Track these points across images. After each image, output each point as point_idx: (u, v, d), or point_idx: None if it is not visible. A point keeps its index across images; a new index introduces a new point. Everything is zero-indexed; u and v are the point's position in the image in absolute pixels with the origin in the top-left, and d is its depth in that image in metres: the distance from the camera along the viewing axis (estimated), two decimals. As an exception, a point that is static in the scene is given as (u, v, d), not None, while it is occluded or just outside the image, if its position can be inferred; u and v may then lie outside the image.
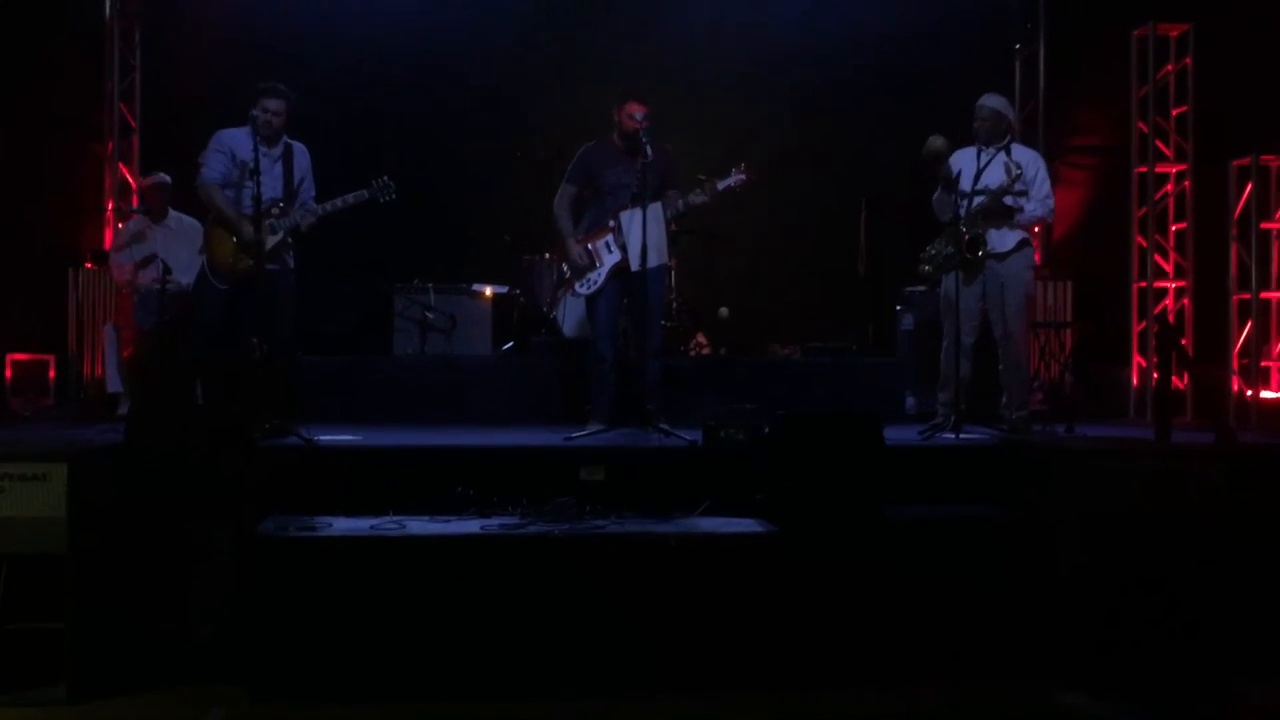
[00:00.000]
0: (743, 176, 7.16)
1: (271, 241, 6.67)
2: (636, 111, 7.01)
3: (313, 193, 6.94)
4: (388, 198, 6.85)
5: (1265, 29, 8.92)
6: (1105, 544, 5.42)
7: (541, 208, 7.24)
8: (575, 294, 7.37)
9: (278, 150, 6.82)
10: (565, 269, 7.40)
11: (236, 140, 6.65)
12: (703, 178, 7.28)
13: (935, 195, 7.20)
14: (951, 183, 7.03)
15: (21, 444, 5.62)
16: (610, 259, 7.10)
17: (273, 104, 6.72)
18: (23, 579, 5.06)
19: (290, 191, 6.83)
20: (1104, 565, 5.42)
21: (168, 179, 8.75)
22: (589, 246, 7.13)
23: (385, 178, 6.85)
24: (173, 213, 8.72)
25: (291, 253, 6.88)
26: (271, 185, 6.73)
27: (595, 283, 7.14)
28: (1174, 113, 9.56)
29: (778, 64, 10.36)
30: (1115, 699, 5.22)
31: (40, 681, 5.04)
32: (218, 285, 6.71)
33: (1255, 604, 5.51)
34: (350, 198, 6.82)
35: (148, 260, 8.40)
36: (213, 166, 6.74)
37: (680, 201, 7.14)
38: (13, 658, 5.05)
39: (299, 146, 6.95)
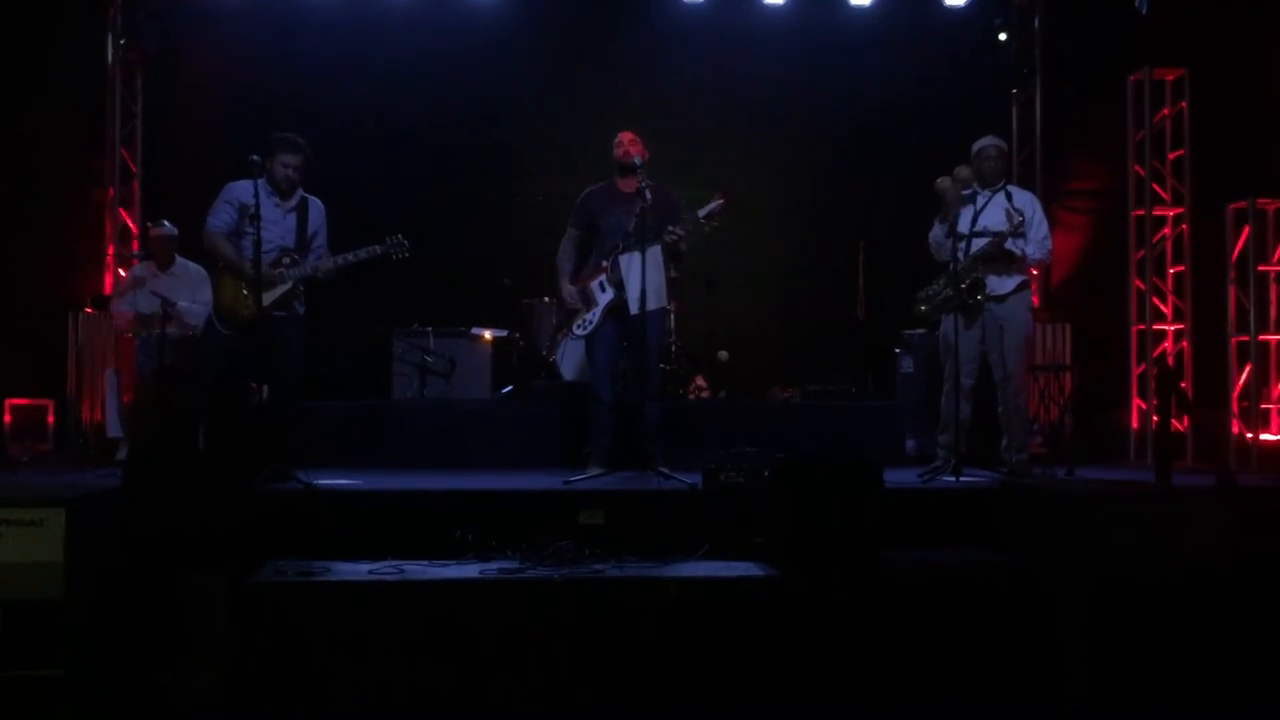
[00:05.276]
0: (721, 201, 7.16)
1: (281, 289, 6.68)
2: (625, 138, 7.09)
3: (325, 249, 6.91)
4: (401, 255, 6.81)
5: (1260, 73, 8.99)
6: (1104, 589, 5.40)
7: (540, 252, 7.26)
8: (573, 336, 7.37)
9: (291, 202, 6.82)
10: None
11: (246, 192, 6.59)
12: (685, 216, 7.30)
13: (932, 233, 7.22)
14: (954, 223, 7.03)
15: (19, 489, 5.59)
16: (604, 298, 7.10)
17: (289, 159, 6.74)
18: (19, 625, 5.01)
19: (303, 243, 6.81)
20: (1103, 609, 5.40)
21: (174, 230, 8.77)
22: (583, 287, 7.16)
23: (399, 236, 6.79)
24: (179, 260, 8.75)
25: (302, 300, 6.86)
26: (283, 235, 6.75)
27: (590, 323, 7.14)
28: (1170, 156, 9.60)
29: (777, 110, 10.47)
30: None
31: (36, 729, 5.01)
32: (223, 331, 6.69)
33: (1255, 649, 5.47)
34: (363, 252, 6.77)
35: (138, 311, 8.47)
36: (218, 216, 6.74)
37: (668, 237, 7.12)
38: (8, 705, 5.00)
39: (315, 201, 6.93)
